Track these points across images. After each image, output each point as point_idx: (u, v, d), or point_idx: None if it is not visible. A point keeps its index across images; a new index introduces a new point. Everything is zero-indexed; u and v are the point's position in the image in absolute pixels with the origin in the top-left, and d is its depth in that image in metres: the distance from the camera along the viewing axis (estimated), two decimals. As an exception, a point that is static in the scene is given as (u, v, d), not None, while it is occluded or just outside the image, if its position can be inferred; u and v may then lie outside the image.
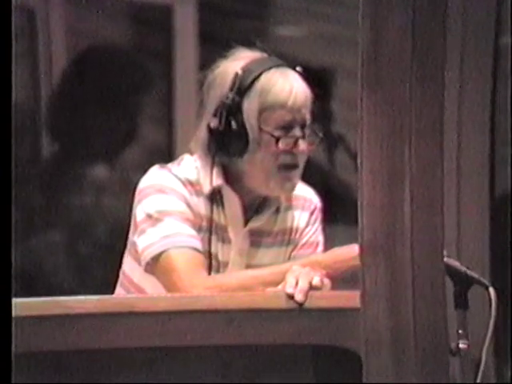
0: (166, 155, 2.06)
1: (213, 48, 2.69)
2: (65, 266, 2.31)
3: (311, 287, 1.60)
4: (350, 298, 1.45)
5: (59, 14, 2.80)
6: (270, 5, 3.07)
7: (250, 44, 1.78)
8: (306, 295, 1.58)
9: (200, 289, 1.67)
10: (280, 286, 1.63)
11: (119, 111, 2.40)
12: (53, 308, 1.55)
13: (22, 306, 1.52)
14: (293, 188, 1.77)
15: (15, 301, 1.44)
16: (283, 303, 1.58)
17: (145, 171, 1.79)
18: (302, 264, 1.68)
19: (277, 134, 1.73)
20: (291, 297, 1.58)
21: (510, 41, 2.25)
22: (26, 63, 2.75)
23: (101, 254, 2.35)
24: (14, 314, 1.40)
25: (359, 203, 1.29)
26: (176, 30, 2.95)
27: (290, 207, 1.81)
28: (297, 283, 1.60)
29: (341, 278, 1.68)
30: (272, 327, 1.55)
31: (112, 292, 1.82)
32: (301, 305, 1.57)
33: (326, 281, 1.65)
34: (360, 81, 1.31)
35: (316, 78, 1.80)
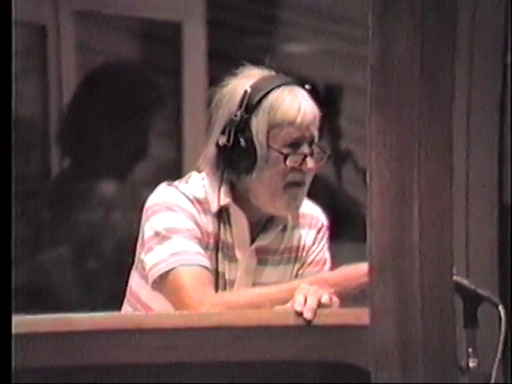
0: (175, 172, 2.06)
1: (222, 65, 2.70)
2: (72, 281, 2.31)
3: (320, 305, 1.60)
4: (359, 316, 1.45)
5: (70, 30, 2.81)
6: (279, 22, 3.09)
7: (258, 62, 1.79)
8: (315, 313, 1.58)
9: (208, 306, 1.66)
10: (288, 304, 1.63)
11: (128, 127, 2.41)
12: (60, 325, 1.55)
13: (28, 322, 1.52)
14: (299, 206, 1.77)
15: (22, 318, 1.44)
16: (292, 320, 1.57)
17: (153, 188, 1.80)
18: (310, 282, 1.68)
19: (285, 151, 1.73)
20: (300, 314, 1.58)
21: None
22: (36, 79, 2.77)
23: (108, 270, 2.35)
24: (20, 330, 1.40)
25: (368, 221, 1.29)
26: (185, 46, 2.97)
27: (296, 225, 1.81)
28: (305, 301, 1.60)
29: (349, 296, 1.68)
30: (280, 344, 1.55)
31: (119, 309, 1.82)
32: (309, 322, 1.57)
33: (335, 298, 1.64)
34: (369, 99, 1.31)
35: (324, 96, 1.80)
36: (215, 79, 1.81)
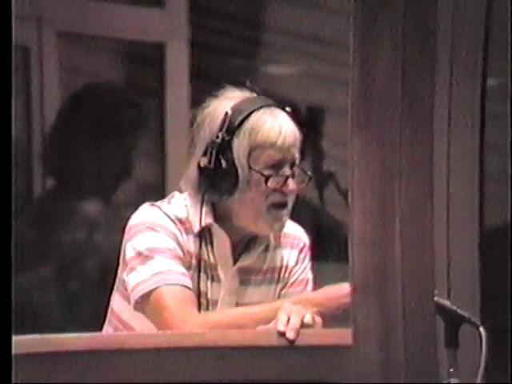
0: (158, 192, 2.07)
1: (204, 86, 2.72)
2: (54, 302, 2.30)
3: (303, 325, 1.60)
4: (342, 336, 1.46)
5: (53, 51, 2.82)
6: (261, 44, 3.11)
7: (240, 83, 1.80)
8: (298, 333, 1.58)
9: (191, 326, 1.66)
10: (271, 324, 1.64)
11: (111, 147, 2.41)
12: (42, 345, 1.54)
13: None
14: (282, 227, 1.78)
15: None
16: (274, 341, 1.58)
17: (136, 208, 1.80)
18: (293, 302, 1.69)
19: (266, 172, 1.74)
20: (283, 334, 1.58)
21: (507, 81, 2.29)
22: (19, 99, 2.77)
23: (91, 290, 2.34)
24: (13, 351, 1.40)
25: (350, 241, 1.30)
26: (168, 67, 2.98)
27: (279, 245, 1.82)
28: (288, 321, 1.60)
29: (332, 316, 1.68)
30: (263, 364, 1.55)
31: (100, 329, 1.81)
32: (292, 342, 1.57)
33: (318, 318, 1.65)
34: (350, 120, 1.33)
35: (306, 118, 1.81)
36: (198, 100, 1.83)
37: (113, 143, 2.43)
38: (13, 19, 1.50)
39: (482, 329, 1.46)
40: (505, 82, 2.38)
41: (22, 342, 1.54)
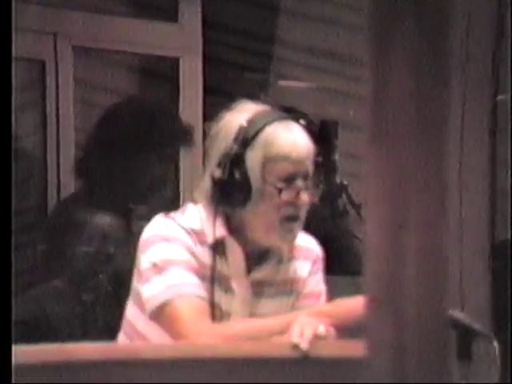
0: (172, 207, 2.09)
1: (218, 100, 2.74)
2: (68, 313, 2.32)
3: (316, 336, 1.61)
4: (355, 348, 1.46)
5: (68, 65, 2.84)
6: (274, 59, 3.12)
7: (254, 97, 1.82)
8: (312, 344, 1.59)
9: (205, 337, 1.67)
10: (285, 336, 1.64)
11: (126, 160, 2.43)
12: (57, 354, 1.55)
13: (25, 352, 1.52)
14: (294, 239, 1.79)
15: (19, 348, 1.45)
16: (288, 352, 1.58)
17: (149, 220, 1.81)
18: (307, 314, 1.69)
19: (279, 185, 1.75)
20: (297, 346, 1.59)
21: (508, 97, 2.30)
22: (35, 113, 2.80)
23: (105, 301, 2.36)
24: (16, 361, 1.41)
25: (363, 253, 1.31)
26: (182, 82, 3.00)
27: (292, 257, 1.83)
28: (302, 333, 1.61)
29: (345, 329, 1.69)
30: (277, 376, 1.56)
31: (114, 339, 1.82)
32: (306, 354, 1.58)
33: (331, 330, 1.66)
34: (365, 134, 1.34)
35: (319, 131, 1.83)
36: (211, 113, 1.84)
37: (127, 155, 2.45)
38: (13, 31, 1.53)
39: (495, 342, 1.47)
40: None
41: (36, 352, 1.55)
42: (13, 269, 1.48)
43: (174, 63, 3.00)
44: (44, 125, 2.79)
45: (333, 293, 1.85)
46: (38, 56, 2.79)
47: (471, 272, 2.19)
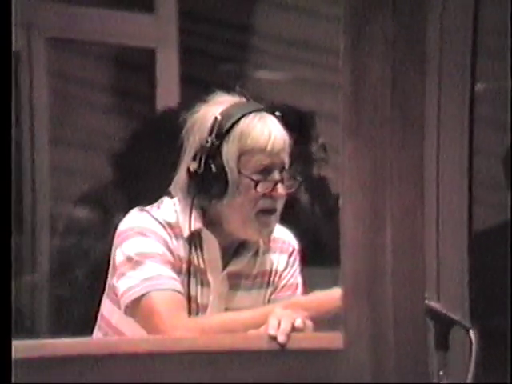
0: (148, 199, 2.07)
1: (194, 91, 2.72)
2: (44, 307, 2.30)
3: (293, 329, 1.61)
4: (333, 340, 1.46)
5: (42, 56, 2.82)
6: (251, 49, 3.11)
7: (229, 88, 1.81)
8: (289, 336, 1.59)
9: (182, 331, 1.67)
10: (262, 328, 1.64)
11: (100, 153, 2.42)
12: (32, 350, 1.54)
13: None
14: (270, 232, 1.79)
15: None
16: (265, 345, 1.58)
17: (126, 213, 1.80)
18: (283, 306, 1.69)
19: (256, 177, 1.75)
20: (274, 338, 1.59)
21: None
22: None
23: (80, 296, 2.34)
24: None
25: (341, 245, 1.31)
26: (158, 73, 2.98)
27: (268, 250, 1.83)
28: (279, 325, 1.61)
29: (322, 321, 1.69)
30: (254, 369, 1.55)
31: (90, 335, 1.81)
32: (283, 346, 1.58)
33: (308, 322, 1.66)
34: (342, 125, 1.33)
35: (296, 122, 1.82)
36: (188, 106, 1.83)
37: (102, 148, 2.43)
38: (13, 27, 1.50)
39: (472, 331, 1.47)
40: (493, 87, 2.40)
41: (15, 347, 1.54)
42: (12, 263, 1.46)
43: (150, 54, 2.98)
44: (18, 116, 2.76)
45: (310, 285, 1.84)
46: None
47: (448, 263, 2.20)
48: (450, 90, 2.26)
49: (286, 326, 1.60)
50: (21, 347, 1.55)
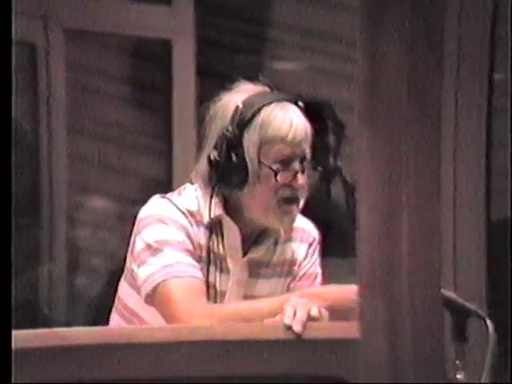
0: (164, 190, 2.08)
1: (211, 82, 2.72)
2: (61, 297, 2.31)
3: (309, 318, 1.61)
4: (349, 329, 1.46)
5: (60, 48, 2.83)
6: (267, 40, 3.11)
7: (252, 78, 1.80)
8: (304, 326, 1.59)
9: (198, 318, 1.67)
10: (278, 317, 1.64)
11: (118, 144, 2.42)
12: (50, 339, 1.55)
13: (19, 337, 1.52)
14: (292, 221, 1.78)
15: (14, 332, 1.44)
16: (281, 334, 1.58)
17: (143, 204, 1.80)
18: (299, 295, 1.69)
19: (276, 167, 1.74)
20: (289, 327, 1.59)
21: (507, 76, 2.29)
22: (26, 97, 2.78)
23: (98, 285, 2.35)
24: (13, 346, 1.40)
25: (357, 236, 1.31)
26: (175, 64, 2.99)
27: (288, 239, 1.82)
28: (295, 314, 1.60)
29: (339, 311, 1.68)
30: (270, 358, 1.56)
31: (107, 317, 1.82)
32: (299, 335, 1.58)
33: (324, 311, 1.65)
34: (357, 115, 1.33)
35: (316, 112, 1.81)
36: (204, 97, 1.82)
37: (120, 139, 2.43)
38: (13, 16, 1.51)
39: (488, 321, 1.47)
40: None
41: (30, 337, 1.55)
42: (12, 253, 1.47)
43: (167, 45, 2.98)
44: (35, 108, 2.77)
45: (328, 275, 1.84)
46: (29, 39, 2.77)
47: (465, 252, 2.19)
48: (467, 80, 2.25)
49: (301, 314, 1.59)
50: (37, 336, 1.56)
